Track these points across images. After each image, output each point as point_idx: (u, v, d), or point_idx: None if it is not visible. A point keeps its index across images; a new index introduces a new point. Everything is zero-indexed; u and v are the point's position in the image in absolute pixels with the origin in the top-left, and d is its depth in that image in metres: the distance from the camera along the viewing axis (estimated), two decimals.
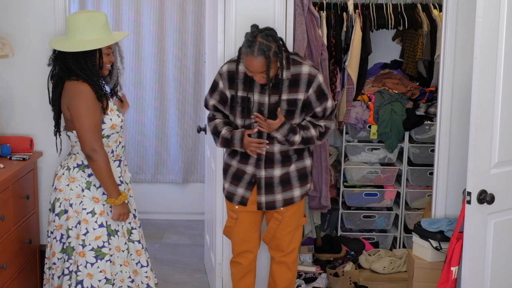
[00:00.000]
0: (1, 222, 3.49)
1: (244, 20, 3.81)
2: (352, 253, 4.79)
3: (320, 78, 3.41)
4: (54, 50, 3.25)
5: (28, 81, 3.98)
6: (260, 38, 3.26)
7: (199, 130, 4.46)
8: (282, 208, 3.55)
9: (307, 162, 3.59)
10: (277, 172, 3.51)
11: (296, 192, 3.56)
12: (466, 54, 3.73)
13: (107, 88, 3.35)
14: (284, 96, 3.39)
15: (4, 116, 4.06)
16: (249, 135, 3.45)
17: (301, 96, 3.40)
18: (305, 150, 3.57)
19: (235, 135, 3.49)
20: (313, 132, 3.45)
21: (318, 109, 3.46)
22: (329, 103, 3.46)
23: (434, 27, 4.80)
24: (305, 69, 3.39)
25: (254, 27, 3.34)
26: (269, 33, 3.30)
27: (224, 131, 3.52)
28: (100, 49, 3.21)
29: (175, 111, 5.80)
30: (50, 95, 3.30)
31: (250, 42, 3.27)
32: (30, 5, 3.97)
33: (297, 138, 3.43)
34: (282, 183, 3.52)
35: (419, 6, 4.85)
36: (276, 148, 3.48)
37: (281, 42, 3.33)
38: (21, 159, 3.85)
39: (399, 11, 4.78)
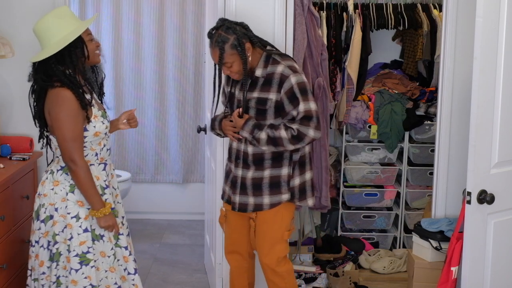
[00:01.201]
0: (1, 222, 3.49)
1: (244, 20, 3.80)
2: (352, 253, 4.79)
3: (293, 79, 3.25)
4: (34, 64, 3.09)
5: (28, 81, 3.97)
6: (220, 30, 3.27)
7: (199, 130, 4.47)
8: (253, 214, 3.45)
9: (284, 171, 3.39)
10: (250, 174, 3.41)
11: (266, 199, 3.40)
12: (466, 54, 3.73)
13: (100, 80, 3.26)
14: (255, 94, 3.33)
15: (4, 116, 4.06)
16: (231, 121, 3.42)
17: (272, 96, 3.30)
18: (285, 158, 3.38)
19: (217, 117, 3.50)
20: (283, 133, 3.26)
21: (294, 112, 3.28)
22: (301, 107, 3.25)
23: (434, 27, 4.80)
24: (279, 68, 3.29)
25: (220, 20, 3.35)
26: (230, 25, 3.28)
27: (213, 116, 3.56)
28: (82, 38, 3.06)
29: (175, 111, 5.81)
30: (33, 109, 3.14)
31: (210, 34, 3.30)
32: (30, 5, 3.97)
33: (263, 135, 3.28)
34: (254, 186, 3.41)
35: (419, 6, 4.85)
36: (250, 149, 3.39)
37: (246, 36, 3.28)
38: (21, 159, 3.85)
39: (399, 11, 4.78)
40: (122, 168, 5.78)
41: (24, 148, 3.94)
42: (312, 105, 3.28)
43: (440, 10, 4.75)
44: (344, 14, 4.71)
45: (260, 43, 3.37)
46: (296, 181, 3.43)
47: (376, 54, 5.02)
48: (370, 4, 4.77)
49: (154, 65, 5.76)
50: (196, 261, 5.01)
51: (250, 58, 3.30)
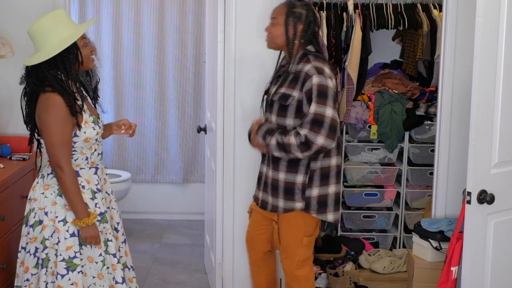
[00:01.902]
0: (1, 222, 3.49)
1: (244, 19, 3.81)
2: (352, 253, 4.78)
3: (314, 80, 3.14)
4: (26, 67, 3.06)
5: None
6: (301, 1, 3.32)
7: (199, 130, 4.47)
8: (275, 217, 3.39)
9: (299, 178, 3.25)
10: (270, 173, 3.35)
11: (280, 202, 3.30)
12: (466, 54, 3.73)
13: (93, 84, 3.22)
14: (283, 90, 3.27)
15: (4, 116, 4.06)
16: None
17: (295, 94, 3.21)
18: (301, 164, 3.24)
19: (251, 126, 3.44)
20: (292, 139, 3.14)
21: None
22: (312, 108, 3.12)
23: (434, 27, 4.80)
24: (306, 67, 3.21)
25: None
26: (309, 7, 3.32)
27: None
28: (76, 44, 3.01)
29: (175, 111, 5.81)
30: (24, 111, 3.10)
31: None
32: (30, 5, 3.97)
33: (273, 141, 3.20)
34: (272, 187, 3.34)
35: (419, 6, 4.85)
36: None
37: (306, 24, 3.28)
38: (21, 159, 3.85)
39: (399, 11, 4.78)
40: (122, 168, 5.78)
41: (24, 148, 3.94)
42: (328, 111, 3.11)
43: (440, 10, 4.75)
44: (344, 14, 4.71)
45: (309, 43, 3.32)
46: (314, 192, 3.27)
47: (376, 54, 5.02)
48: (370, 4, 4.77)
49: (154, 65, 5.76)
50: (196, 261, 5.01)
51: (296, 41, 3.28)
